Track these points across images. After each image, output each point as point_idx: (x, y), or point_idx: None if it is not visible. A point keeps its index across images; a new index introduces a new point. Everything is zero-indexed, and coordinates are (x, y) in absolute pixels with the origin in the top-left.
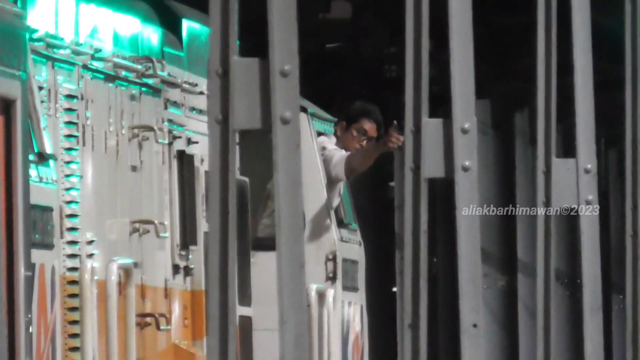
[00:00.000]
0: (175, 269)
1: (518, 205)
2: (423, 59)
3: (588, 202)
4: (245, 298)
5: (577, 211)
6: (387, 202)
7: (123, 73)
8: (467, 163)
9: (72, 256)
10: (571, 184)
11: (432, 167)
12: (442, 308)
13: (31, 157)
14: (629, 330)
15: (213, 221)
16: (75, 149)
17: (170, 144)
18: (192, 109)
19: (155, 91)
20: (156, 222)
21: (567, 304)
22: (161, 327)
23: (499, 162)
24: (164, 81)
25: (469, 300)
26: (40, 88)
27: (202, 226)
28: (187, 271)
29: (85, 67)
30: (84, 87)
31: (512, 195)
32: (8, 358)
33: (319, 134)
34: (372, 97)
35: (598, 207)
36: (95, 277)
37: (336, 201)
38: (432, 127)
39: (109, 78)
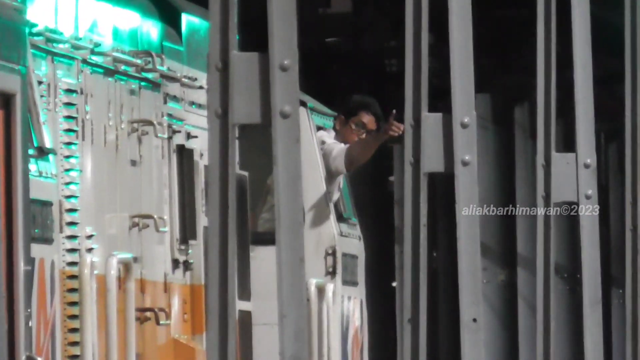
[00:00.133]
0: (175, 263)
1: (518, 200)
2: (423, 53)
3: (588, 197)
4: (245, 292)
5: (576, 206)
6: (387, 197)
7: (122, 67)
8: (467, 157)
9: (72, 250)
10: (571, 178)
11: (432, 162)
12: (442, 302)
13: (31, 151)
14: (628, 324)
15: (212, 215)
16: (75, 144)
17: (169, 138)
18: (192, 103)
19: (154, 85)
20: (156, 216)
21: (567, 298)
22: (161, 322)
23: (498, 156)
24: (163, 75)
25: (468, 295)
26: (40, 82)
27: (202, 221)
28: (187, 266)
29: (84, 61)
30: (84, 81)
31: (512, 190)
32: (8, 352)
33: (319, 128)
34: (372, 91)
35: (598, 201)
36: (95, 272)
37: (336, 195)
38: (432, 121)
39: (109, 72)
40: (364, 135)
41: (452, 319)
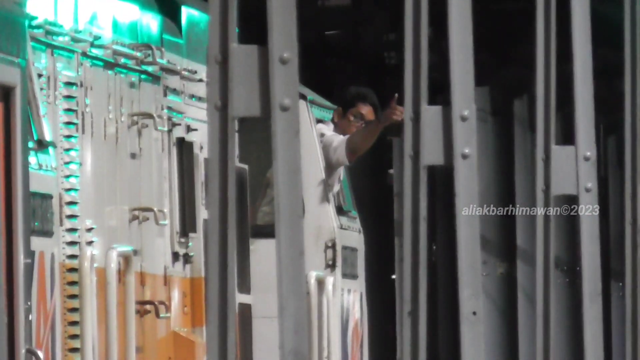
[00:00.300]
0: (175, 256)
1: (517, 193)
2: (422, 46)
3: (587, 190)
4: (245, 285)
5: (576, 199)
6: (387, 190)
7: (122, 60)
8: (466, 150)
9: (72, 244)
10: (571, 171)
11: (432, 155)
12: (442, 295)
13: (30, 144)
14: (628, 317)
15: (212, 208)
16: (75, 137)
17: (169, 131)
18: (192, 96)
19: (154, 78)
20: (155, 209)
21: (566, 291)
22: (161, 315)
23: (498, 149)
24: (163, 68)
25: (468, 288)
26: (40, 75)
27: (202, 213)
28: (187, 259)
29: (84, 54)
30: (83, 74)
31: (511, 183)
32: (8, 345)
33: (318, 121)
34: (371, 84)
35: (597, 194)
36: (95, 265)
37: (336, 187)
38: (431, 114)
39: (108, 65)
40: (362, 126)
41: (451, 312)
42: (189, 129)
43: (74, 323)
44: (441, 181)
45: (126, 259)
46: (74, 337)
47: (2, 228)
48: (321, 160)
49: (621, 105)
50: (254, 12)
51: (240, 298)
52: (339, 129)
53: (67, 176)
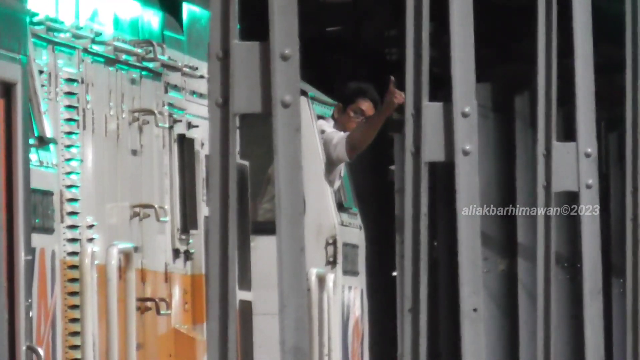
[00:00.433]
0: (176, 253)
1: (518, 190)
2: (423, 42)
3: (588, 186)
4: (246, 282)
5: (577, 195)
6: (388, 186)
7: (123, 57)
8: (467, 147)
9: (73, 240)
10: (571, 167)
11: (433, 151)
12: (443, 292)
13: (31, 141)
14: (629, 314)
15: (213, 205)
16: (76, 133)
17: (170, 127)
18: (193, 92)
19: (155, 75)
20: (156, 206)
21: (567, 288)
22: (161, 312)
23: (499, 145)
24: (164, 65)
25: (469, 284)
26: (41, 72)
27: (203, 210)
28: (188, 255)
29: (85, 50)
30: (85, 70)
31: (512, 179)
32: (8, 342)
33: (319, 117)
34: (372, 80)
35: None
36: (96, 262)
37: (337, 183)
38: (432, 110)
39: (110, 62)
40: (362, 122)
41: (452, 309)
42: (190, 125)
43: (74, 320)
44: (442, 177)
45: (127, 255)
46: (74, 334)
47: (3, 225)
48: (322, 157)
49: (622, 100)
50: (255, 9)
51: (241, 295)
52: (339, 125)
53: (68, 173)
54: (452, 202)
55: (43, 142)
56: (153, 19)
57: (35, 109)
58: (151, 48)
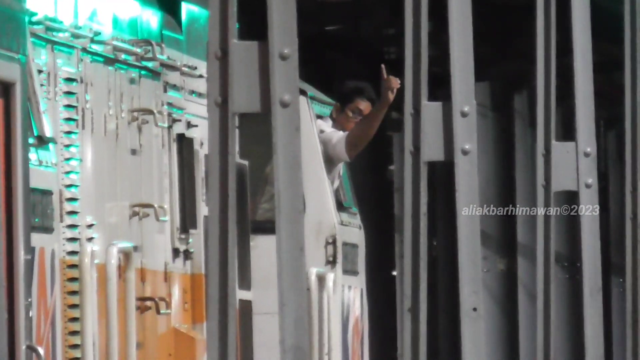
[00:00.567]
0: (175, 252)
1: (517, 189)
2: (422, 41)
3: (588, 185)
4: (245, 282)
5: (576, 194)
6: (387, 185)
7: (122, 56)
8: (466, 146)
9: (72, 240)
10: (571, 166)
11: (432, 151)
12: (442, 291)
13: (31, 140)
14: (628, 312)
15: (213, 204)
16: (75, 133)
17: (169, 127)
18: (192, 92)
19: (154, 74)
20: (156, 205)
21: (566, 287)
22: (161, 311)
23: (498, 144)
24: (163, 64)
25: (468, 284)
26: (40, 71)
27: (202, 210)
28: (187, 255)
29: (84, 50)
30: (84, 70)
31: (511, 178)
32: (8, 342)
33: (318, 117)
34: (371, 79)
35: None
36: (95, 261)
37: (335, 183)
38: (431, 110)
39: (109, 61)
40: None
41: (452, 308)
42: (189, 125)
43: (74, 319)
44: (441, 177)
45: (126, 255)
46: (74, 333)
47: (3, 224)
48: (321, 156)
49: (621, 98)
50: (254, 8)
51: (241, 294)
52: (337, 124)
53: (67, 172)
54: (452, 201)
55: (42, 141)
56: (152, 18)
57: (34, 109)
58: (150, 47)
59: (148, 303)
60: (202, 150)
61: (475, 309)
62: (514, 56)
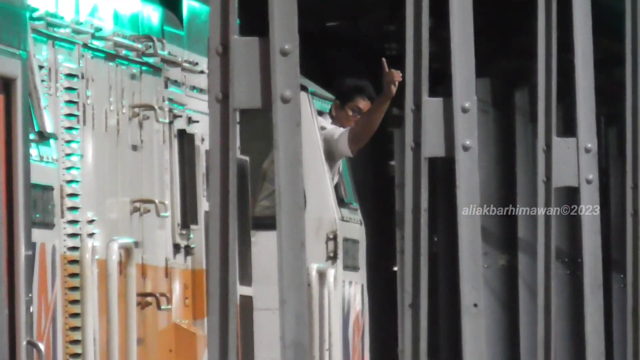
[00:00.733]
0: (176, 248)
1: (518, 185)
2: (423, 38)
3: (588, 181)
4: (246, 277)
5: (577, 190)
6: (388, 181)
7: (123, 52)
8: (467, 142)
9: (73, 235)
10: (571, 162)
11: (433, 146)
12: (443, 287)
13: (32, 136)
14: (629, 309)
15: (213, 200)
16: (76, 128)
17: (170, 123)
18: (193, 87)
19: (155, 70)
20: (157, 201)
21: (567, 283)
22: (162, 307)
23: (499, 140)
24: (164, 60)
25: (469, 280)
26: (41, 67)
27: (203, 205)
28: (188, 250)
29: (85, 46)
30: (85, 66)
31: (512, 174)
32: (9, 337)
33: (318, 113)
34: (372, 75)
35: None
36: (96, 257)
37: (335, 179)
38: (432, 106)
39: (110, 57)
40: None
41: (452, 304)
42: (190, 120)
43: (75, 315)
44: (442, 172)
45: (127, 250)
46: (75, 329)
47: (3, 220)
48: (322, 152)
49: (622, 95)
50: (255, 4)
51: (242, 290)
52: (337, 122)
53: (68, 168)
54: (452, 197)
55: (43, 137)
56: (153, 14)
57: (35, 104)
58: (151, 43)
59: (149, 299)
60: (203, 146)
61: (475, 305)
62: (515, 52)
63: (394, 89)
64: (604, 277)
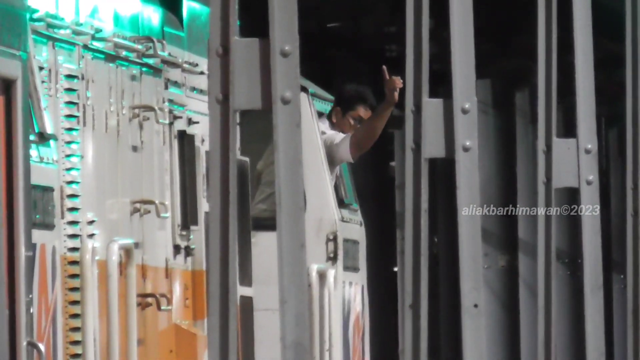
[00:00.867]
0: (176, 249)
1: (518, 186)
2: (423, 38)
3: (589, 182)
4: (246, 278)
5: (577, 191)
6: (388, 182)
7: (124, 53)
8: (467, 143)
9: (73, 236)
10: (572, 163)
11: (433, 147)
12: (443, 288)
13: (32, 137)
14: (629, 309)
15: (214, 201)
16: (76, 129)
17: (170, 124)
18: (193, 88)
19: (155, 71)
20: (157, 202)
21: (567, 284)
22: (162, 308)
23: (499, 141)
24: (164, 61)
25: (469, 280)
26: (41, 68)
27: (203, 206)
28: (188, 251)
29: (85, 47)
30: (85, 67)
31: (512, 175)
32: (9, 338)
33: (320, 114)
34: (372, 76)
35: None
36: (96, 257)
37: (333, 180)
38: (432, 107)
39: (110, 58)
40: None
41: (453, 305)
42: (190, 121)
43: (75, 316)
44: (442, 173)
45: (127, 251)
46: (75, 329)
47: (4, 221)
48: (322, 153)
49: (622, 96)
50: (255, 5)
51: (242, 291)
52: (337, 128)
53: (69, 169)
54: (453, 198)
55: (43, 138)
56: (153, 15)
57: (35, 105)
58: (151, 44)
59: (149, 299)
60: (203, 147)
61: (476, 306)
62: (515, 53)
63: (396, 96)
64: (604, 278)
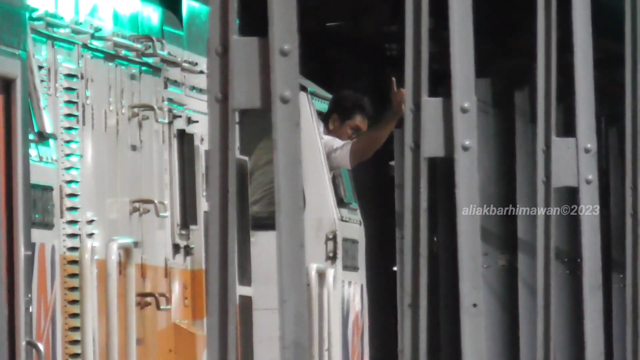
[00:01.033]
0: (176, 248)
1: (518, 185)
2: (423, 38)
3: (588, 182)
4: (245, 277)
5: (577, 191)
6: (388, 181)
7: (123, 52)
8: (467, 142)
9: (72, 236)
10: (571, 163)
11: (432, 147)
12: (443, 287)
13: (31, 136)
14: (629, 309)
15: (213, 200)
16: (75, 128)
17: (170, 123)
18: (192, 88)
19: (155, 70)
20: (156, 201)
21: (567, 283)
22: (161, 307)
23: (498, 141)
24: (164, 60)
25: (469, 280)
26: (40, 67)
27: (202, 205)
28: (188, 251)
29: (85, 46)
30: (84, 66)
31: (512, 175)
32: (8, 338)
33: (319, 113)
34: (372, 75)
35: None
36: (96, 257)
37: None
38: (432, 106)
39: (109, 57)
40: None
41: (452, 304)
42: (189, 120)
43: (74, 315)
44: (442, 173)
45: (127, 251)
46: (74, 329)
47: (3, 220)
48: (322, 152)
49: (622, 95)
50: (255, 4)
51: (241, 290)
52: (333, 134)
53: (68, 168)
54: (452, 197)
55: (43, 137)
56: (152, 14)
57: (34, 105)
58: (151, 43)
59: (148, 299)
60: (203, 146)
61: (475, 305)
62: (515, 53)
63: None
64: (603, 277)
